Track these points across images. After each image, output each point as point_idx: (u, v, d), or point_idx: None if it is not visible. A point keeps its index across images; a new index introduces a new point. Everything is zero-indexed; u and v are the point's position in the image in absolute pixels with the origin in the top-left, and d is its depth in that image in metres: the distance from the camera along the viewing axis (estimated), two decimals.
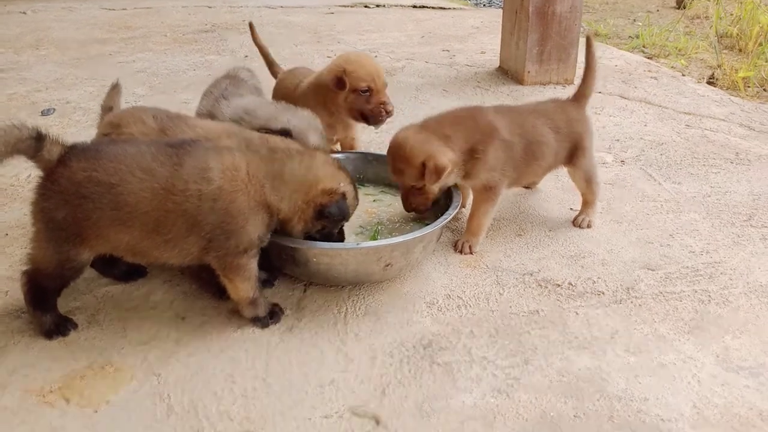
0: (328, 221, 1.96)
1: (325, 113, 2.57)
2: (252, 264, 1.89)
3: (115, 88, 2.39)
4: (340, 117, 2.66)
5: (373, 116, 2.56)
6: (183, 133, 2.06)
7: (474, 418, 1.64)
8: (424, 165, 2.18)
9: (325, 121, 2.49)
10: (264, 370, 1.79)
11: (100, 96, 2.55)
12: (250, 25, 3.27)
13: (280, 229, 1.96)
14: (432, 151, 2.19)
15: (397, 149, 2.26)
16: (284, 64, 3.22)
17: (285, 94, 2.75)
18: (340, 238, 2.08)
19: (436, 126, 2.29)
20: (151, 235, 1.79)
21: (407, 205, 2.33)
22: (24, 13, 6.63)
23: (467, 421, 1.63)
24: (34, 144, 1.71)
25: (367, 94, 2.53)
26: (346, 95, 2.55)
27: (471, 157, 2.28)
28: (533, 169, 2.45)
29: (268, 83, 3.05)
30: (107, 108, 2.33)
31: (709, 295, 2.14)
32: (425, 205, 2.30)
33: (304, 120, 2.29)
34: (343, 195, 1.96)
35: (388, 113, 2.56)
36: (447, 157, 2.21)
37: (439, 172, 2.18)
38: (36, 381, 1.73)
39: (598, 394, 1.72)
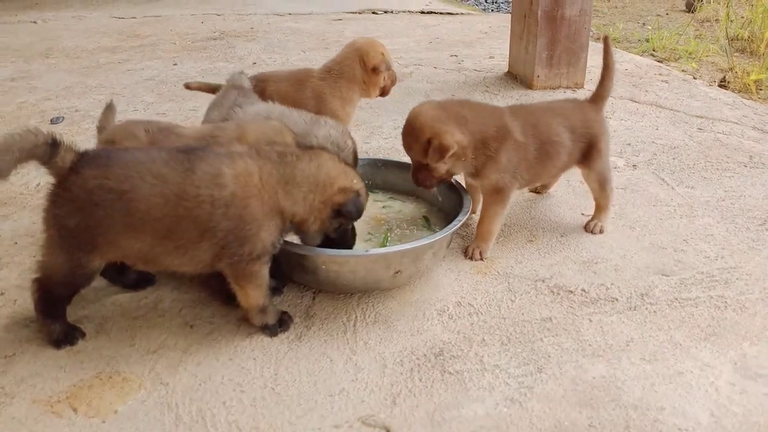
0: (345, 219, 1.97)
1: (353, 105, 2.86)
2: (264, 271, 1.87)
3: (108, 108, 2.39)
4: (354, 102, 2.94)
5: (391, 86, 2.97)
6: (171, 143, 2.07)
7: (486, 427, 1.61)
8: (429, 142, 2.17)
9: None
10: (273, 379, 1.77)
11: None
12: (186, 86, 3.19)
13: (294, 231, 1.95)
14: (439, 130, 2.17)
15: (408, 123, 2.27)
16: None
17: (282, 95, 2.75)
18: (354, 235, 2.08)
19: (456, 106, 2.29)
20: (163, 242, 1.78)
21: (414, 179, 2.33)
22: (34, 22, 6.69)
23: (479, 431, 1.60)
24: (49, 150, 1.70)
25: (390, 70, 2.90)
26: (384, 75, 2.87)
27: (482, 151, 2.26)
28: (548, 169, 2.42)
29: None
30: (101, 129, 2.34)
31: (725, 301, 2.10)
32: (430, 182, 2.29)
33: (338, 130, 2.31)
34: (357, 192, 1.96)
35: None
36: (454, 137, 2.18)
37: (442, 151, 2.16)
38: (44, 391, 1.72)
39: (613, 403, 1.68)
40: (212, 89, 3.07)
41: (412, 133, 2.24)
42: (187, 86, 3.12)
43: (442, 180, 2.31)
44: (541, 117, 2.40)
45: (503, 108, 2.43)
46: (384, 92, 2.96)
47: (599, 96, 2.54)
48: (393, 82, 2.96)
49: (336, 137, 2.26)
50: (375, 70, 2.81)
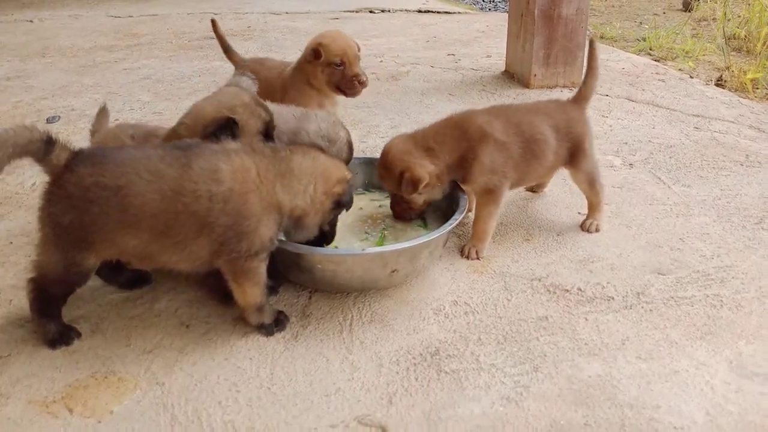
0: (340, 209, 1.99)
1: (310, 96, 2.77)
2: (262, 268, 1.87)
3: (102, 112, 2.40)
4: (322, 94, 2.83)
5: (348, 88, 2.74)
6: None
7: (482, 427, 1.61)
8: (402, 175, 2.23)
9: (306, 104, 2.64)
10: (269, 378, 1.77)
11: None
12: (213, 22, 3.34)
13: (291, 228, 1.95)
14: (409, 163, 2.24)
15: (381, 158, 2.34)
16: None
17: (265, 82, 2.76)
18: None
19: (423, 138, 2.34)
20: (160, 239, 1.78)
21: (394, 213, 2.41)
22: (31, 21, 6.67)
23: (475, 430, 1.60)
24: (44, 147, 1.70)
25: (342, 67, 2.71)
26: (322, 68, 2.72)
27: (462, 164, 2.29)
28: (534, 168, 2.42)
29: None
30: (95, 132, 2.35)
31: (721, 300, 2.10)
32: (409, 214, 2.37)
33: (328, 122, 2.30)
34: (349, 182, 1.99)
35: (362, 84, 2.74)
36: (426, 169, 2.24)
37: (414, 183, 2.22)
38: (39, 391, 1.72)
39: (608, 402, 1.68)
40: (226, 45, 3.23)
41: (385, 167, 2.31)
42: (213, 23, 3.27)
43: (421, 212, 2.38)
44: (524, 116, 2.42)
45: (478, 111, 2.43)
46: (338, 89, 2.75)
47: (582, 96, 2.54)
48: (349, 82, 2.72)
49: (327, 130, 2.25)
50: (314, 54, 2.71)
